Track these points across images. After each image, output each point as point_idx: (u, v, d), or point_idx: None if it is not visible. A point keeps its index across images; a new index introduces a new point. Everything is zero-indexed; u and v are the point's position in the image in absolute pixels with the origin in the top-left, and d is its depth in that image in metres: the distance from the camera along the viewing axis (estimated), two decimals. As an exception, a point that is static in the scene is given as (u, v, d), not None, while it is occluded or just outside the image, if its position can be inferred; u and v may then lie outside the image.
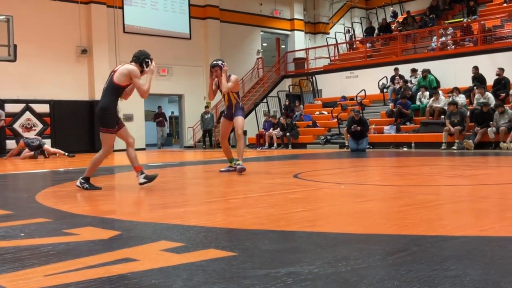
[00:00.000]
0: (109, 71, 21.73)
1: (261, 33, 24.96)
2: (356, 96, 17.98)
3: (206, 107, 21.29)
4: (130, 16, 20.49)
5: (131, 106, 20.39)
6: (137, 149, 21.84)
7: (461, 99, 14.68)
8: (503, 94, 14.37)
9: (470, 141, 13.04)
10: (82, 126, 18.91)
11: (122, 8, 20.23)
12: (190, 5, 22.09)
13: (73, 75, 18.87)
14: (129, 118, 20.44)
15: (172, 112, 28.16)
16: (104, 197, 5.20)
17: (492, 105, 13.53)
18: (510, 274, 2.01)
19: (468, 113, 13.92)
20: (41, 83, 17.96)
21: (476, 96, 14.32)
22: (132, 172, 6.12)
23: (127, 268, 2.22)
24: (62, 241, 2.84)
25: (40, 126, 18.00)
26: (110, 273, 2.14)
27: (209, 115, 20.88)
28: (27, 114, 17.81)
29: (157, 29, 21.13)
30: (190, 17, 22.16)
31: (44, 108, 18.13)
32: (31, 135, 16.58)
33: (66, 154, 14.49)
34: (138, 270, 2.20)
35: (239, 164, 7.16)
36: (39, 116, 18.03)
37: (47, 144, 15.36)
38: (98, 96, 19.17)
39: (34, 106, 17.94)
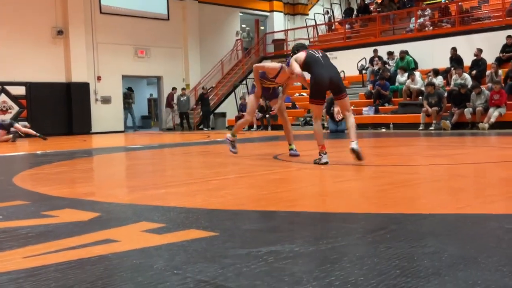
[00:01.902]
0: (86, 52, 21.12)
1: (240, 14, 24.78)
2: (335, 78, 17.99)
3: (183, 89, 21.07)
4: (106, -4, 20.15)
5: (109, 88, 20.19)
6: (115, 132, 21.60)
7: (438, 80, 14.81)
8: (474, 72, 14.51)
9: (447, 121, 13.20)
10: (59, 108, 18.64)
11: (98, -12, 19.89)
12: (167, -15, 21.82)
13: (49, 57, 18.55)
14: (107, 100, 20.23)
15: (151, 95, 27.93)
16: (83, 179, 5.16)
17: (469, 86, 13.68)
18: (487, 250, 2.05)
19: (446, 94, 14.06)
20: (16, 65, 17.63)
21: (454, 77, 14.46)
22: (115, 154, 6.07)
23: (107, 249, 2.21)
24: (41, 223, 2.81)
25: (16, 108, 17.72)
26: (90, 254, 2.13)
27: (185, 97, 20.72)
28: (3, 97, 17.50)
29: (135, 9, 20.82)
30: (168, -3, 21.90)
31: (20, 91, 17.84)
32: (7, 118, 16.31)
33: (38, 135, 14.26)
34: (119, 251, 2.19)
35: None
36: (15, 98, 17.74)
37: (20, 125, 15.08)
38: (75, 78, 19.03)
39: (10, 89, 17.63)
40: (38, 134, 14.35)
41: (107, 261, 2.04)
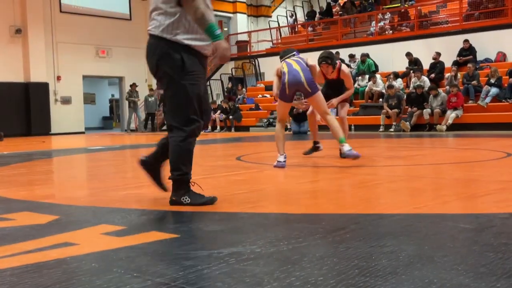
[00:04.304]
0: (45, 52, 20.74)
1: (203, 15, 24.67)
2: (298, 79, 18.12)
3: (151, 89, 20.84)
4: (66, -5, 19.80)
5: (69, 89, 19.82)
6: (76, 133, 21.21)
7: (398, 83, 15.11)
8: (433, 75, 14.91)
9: (407, 123, 13.46)
10: (17, 108, 18.21)
11: (58, -14, 19.52)
12: (129, -15, 21.59)
13: (6, 56, 18.10)
14: (67, 101, 19.87)
15: (112, 95, 27.55)
16: (41, 182, 5.05)
17: (426, 88, 14.01)
18: (443, 249, 2.10)
19: (405, 96, 14.36)
20: (-29, 64, 17.17)
21: (413, 79, 14.79)
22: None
23: (66, 253, 2.17)
24: (-3, 227, 2.75)
25: (-29, 109, 17.25)
26: (48, 258, 2.09)
27: (152, 98, 20.50)
28: (-43, 97, 17.02)
29: (96, 9, 20.54)
30: (130, -3, 21.66)
31: (-24, 90, 17.38)
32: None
33: None
34: (78, 254, 2.15)
35: None
36: (-30, 98, 17.28)
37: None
38: (33, 78, 18.60)
39: (-35, 88, 17.16)
40: None
41: (65, 265, 2.01)
